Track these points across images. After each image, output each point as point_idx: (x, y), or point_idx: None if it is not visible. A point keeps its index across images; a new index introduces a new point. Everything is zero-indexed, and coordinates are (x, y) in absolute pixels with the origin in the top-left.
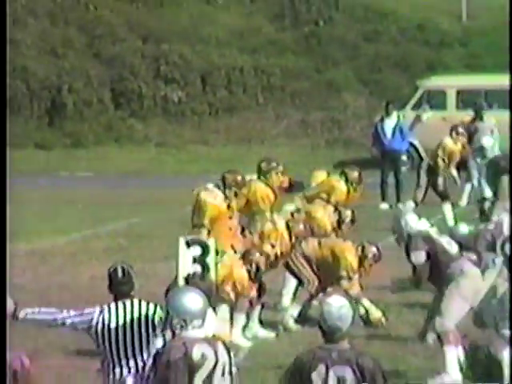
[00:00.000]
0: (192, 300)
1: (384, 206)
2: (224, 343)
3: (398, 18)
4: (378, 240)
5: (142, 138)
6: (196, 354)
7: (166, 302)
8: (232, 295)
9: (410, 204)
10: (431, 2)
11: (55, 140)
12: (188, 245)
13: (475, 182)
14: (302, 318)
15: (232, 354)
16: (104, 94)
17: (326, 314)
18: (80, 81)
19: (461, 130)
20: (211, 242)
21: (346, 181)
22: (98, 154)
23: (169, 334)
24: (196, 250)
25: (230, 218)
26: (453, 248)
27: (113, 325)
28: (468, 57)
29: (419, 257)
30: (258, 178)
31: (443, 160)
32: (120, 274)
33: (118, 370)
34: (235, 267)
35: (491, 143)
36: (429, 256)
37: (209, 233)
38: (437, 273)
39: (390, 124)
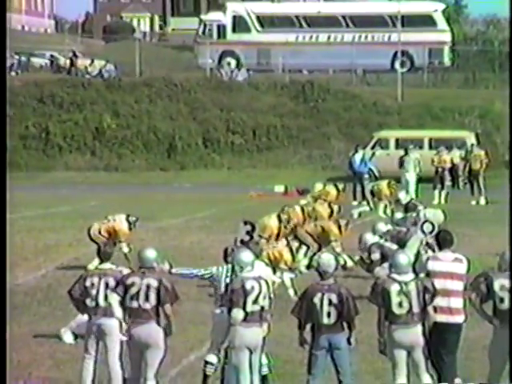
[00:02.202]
0: (246, 255)
1: (354, 202)
2: (265, 280)
3: (362, 99)
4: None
5: (219, 165)
6: (248, 285)
7: (232, 256)
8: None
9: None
10: (380, 91)
11: (170, 166)
12: (245, 223)
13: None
14: (309, 266)
15: (270, 286)
16: (198, 140)
17: (320, 263)
18: (185, 133)
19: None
20: (257, 224)
21: (337, 189)
22: (194, 174)
23: (233, 275)
24: (248, 227)
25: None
26: (393, 247)
27: (223, 277)
28: (401, 121)
29: (375, 256)
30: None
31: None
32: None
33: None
34: (285, 252)
35: (404, 197)
36: (382, 255)
37: (267, 240)
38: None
39: (357, 157)
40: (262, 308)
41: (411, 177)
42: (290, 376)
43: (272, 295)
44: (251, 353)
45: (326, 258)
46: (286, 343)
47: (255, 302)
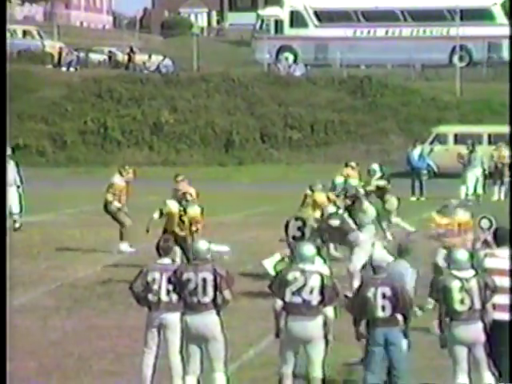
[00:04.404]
0: (308, 249)
1: (413, 198)
2: (321, 275)
3: (421, 94)
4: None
5: (277, 160)
6: (290, 276)
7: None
8: None
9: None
10: (439, 85)
11: (228, 161)
12: (296, 219)
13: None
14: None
15: (324, 281)
16: (256, 135)
17: (373, 259)
18: (243, 128)
19: None
20: (309, 220)
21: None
22: (252, 169)
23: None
24: (299, 223)
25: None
26: (351, 223)
27: None
28: (460, 116)
29: (335, 222)
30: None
31: None
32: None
33: None
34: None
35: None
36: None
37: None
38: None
39: (416, 152)
40: (305, 301)
41: (479, 173)
42: (348, 373)
43: (329, 291)
44: (304, 345)
45: (380, 254)
46: (344, 340)
47: (296, 293)
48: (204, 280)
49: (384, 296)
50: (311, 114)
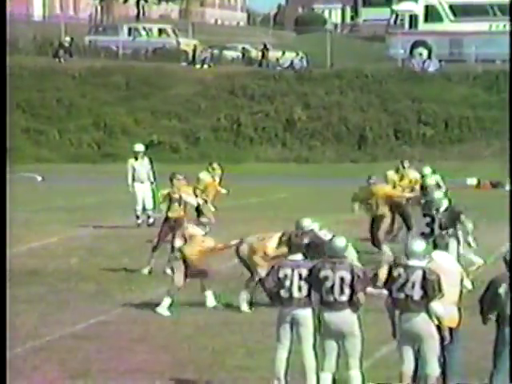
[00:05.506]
0: (418, 245)
1: None
2: (424, 270)
3: None
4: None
5: (410, 157)
6: (395, 273)
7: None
8: None
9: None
10: None
11: (361, 158)
12: (424, 216)
13: None
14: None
15: (427, 276)
16: (389, 131)
17: (507, 255)
18: (376, 124)
19: None
20: None
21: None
22: (385, 166)
23: None
24: (427, 219)
25: None
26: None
27: None
28: None
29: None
30: None
31: None
32: None
33: None
34: None
35: None
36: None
37: None
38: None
39: None
40: (408, 296)
41: None
42: (486, 372)
43: (430, 285)
44: (418, 341)
45: None
46: (479, 338)
47: (400, 289)
48: (342, 279)
49: None
50: (445, 110)
